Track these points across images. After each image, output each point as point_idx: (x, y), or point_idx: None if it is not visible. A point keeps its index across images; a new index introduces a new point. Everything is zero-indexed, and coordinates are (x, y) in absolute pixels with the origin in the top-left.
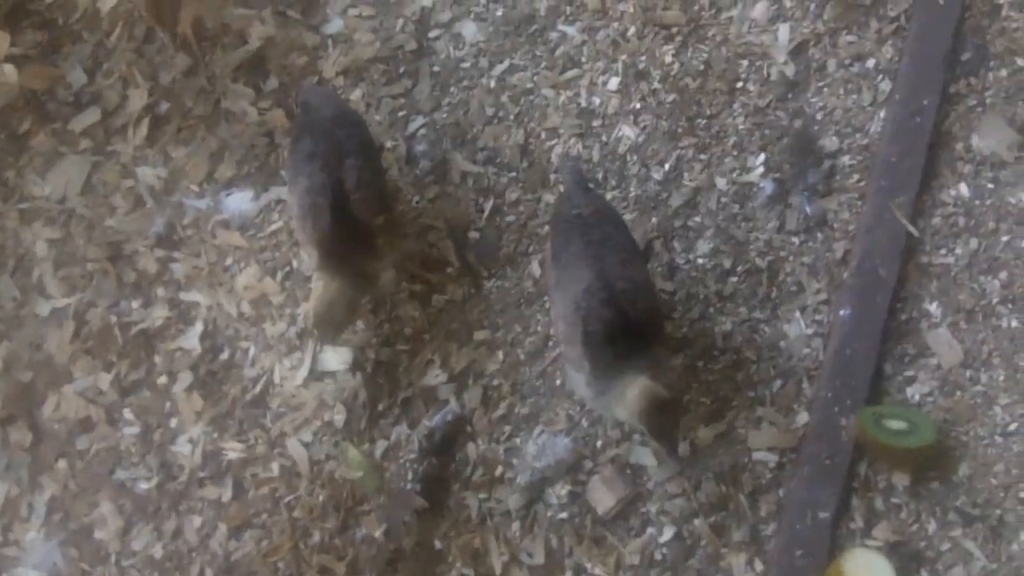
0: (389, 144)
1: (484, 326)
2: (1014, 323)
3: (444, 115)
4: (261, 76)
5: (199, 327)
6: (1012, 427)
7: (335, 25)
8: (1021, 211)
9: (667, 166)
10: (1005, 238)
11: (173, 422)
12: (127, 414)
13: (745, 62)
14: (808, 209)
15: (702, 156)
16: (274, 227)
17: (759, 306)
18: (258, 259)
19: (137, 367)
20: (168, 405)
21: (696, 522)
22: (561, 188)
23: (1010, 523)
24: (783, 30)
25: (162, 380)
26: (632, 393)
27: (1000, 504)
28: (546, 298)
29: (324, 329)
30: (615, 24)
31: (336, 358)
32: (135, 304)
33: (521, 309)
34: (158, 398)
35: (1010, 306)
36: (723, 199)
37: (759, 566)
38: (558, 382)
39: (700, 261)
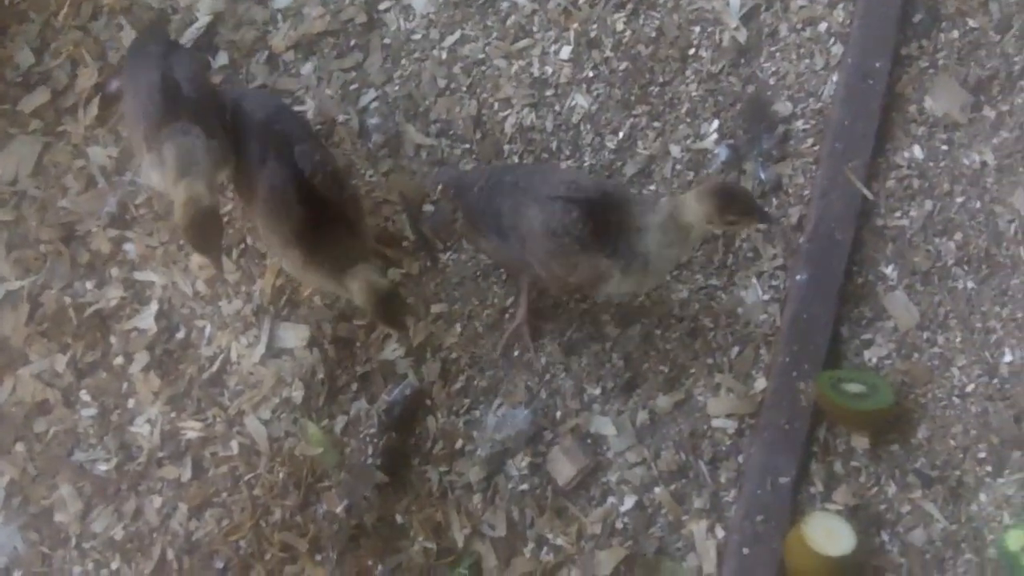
0: (341, 118)
1: (441, 299)
2: (970, 284)
3: (396, 88)
4: (211, 52)
5: (154, 307)
6: (969, 388)
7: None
8: (975, 172)
9: (621, 134)
10: (960, 199)
11: (131, 403)
12: (84, 396)
13: (697, 28)
14: (763, 174)
15: (656, 124)
16: (228, 205)
17: (715, 273)
18: None
19: (93, 348)
20: (125, 386)
21: (657, 490)
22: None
23: (969, 484)
24: None
25: (118, 361)
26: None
27: (959, 465)
28: (503, 270)
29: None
30: None
31: (293, 335)
32: (89, 285)
33: (478, 282)
34: (115, 379)
35: (965, 267)
36: (678, 166)
37: (720, 533)
38: (516, 353)
39: None
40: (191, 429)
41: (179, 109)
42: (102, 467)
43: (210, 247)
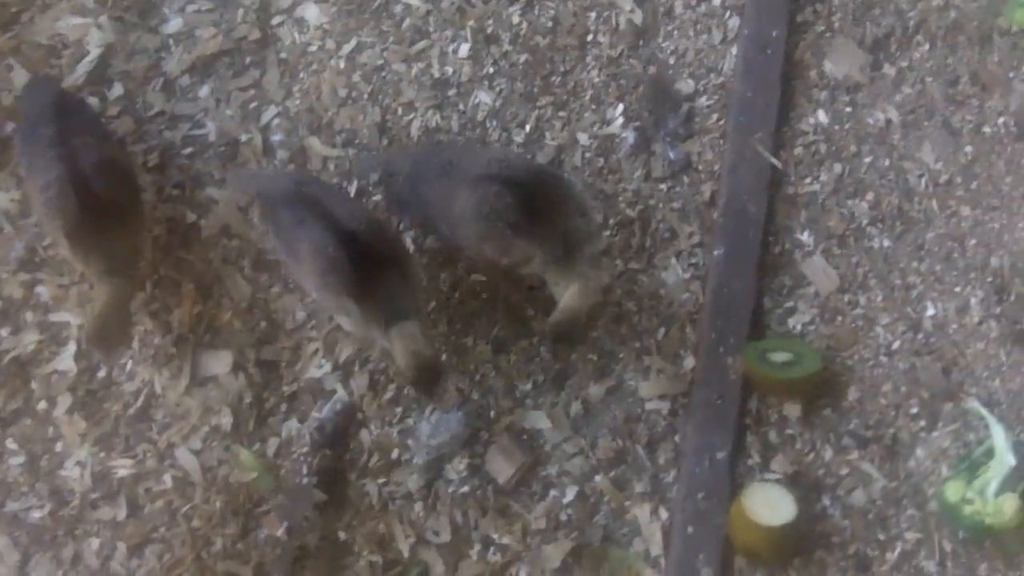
0: (244, 137)
1: None
2: (885, 243)
3: (297, 102)
4: (105, 84)
5: (72, 347)
6: (895, 345)
7: (175, 24)
8: (880, 131)
9: (528, 127)
10: (868, 159)
11: (58, 447)
12: (10, 444)
13: (593, 14)
14: (672, 154)
15: (561, 113)
16: (154, 230)
17: (634, 257)
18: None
19: (15, 396)
20: (51, 430)
21: (597, 479)
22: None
23: (904, 440)
24: None
25: (42, 405)
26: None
27: (892, 423)
28: (424, 274)
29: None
30: None
31: (216, 362)
32: (4, 332)
33: None
34: (40, 424)
35: (880, 226)
36: (587, 154)
37: (664, 514)
38: (443, 357)
39: None
40: (122, 467)
41: (93, 211)
42: (36, 514)
43: (113, 351)
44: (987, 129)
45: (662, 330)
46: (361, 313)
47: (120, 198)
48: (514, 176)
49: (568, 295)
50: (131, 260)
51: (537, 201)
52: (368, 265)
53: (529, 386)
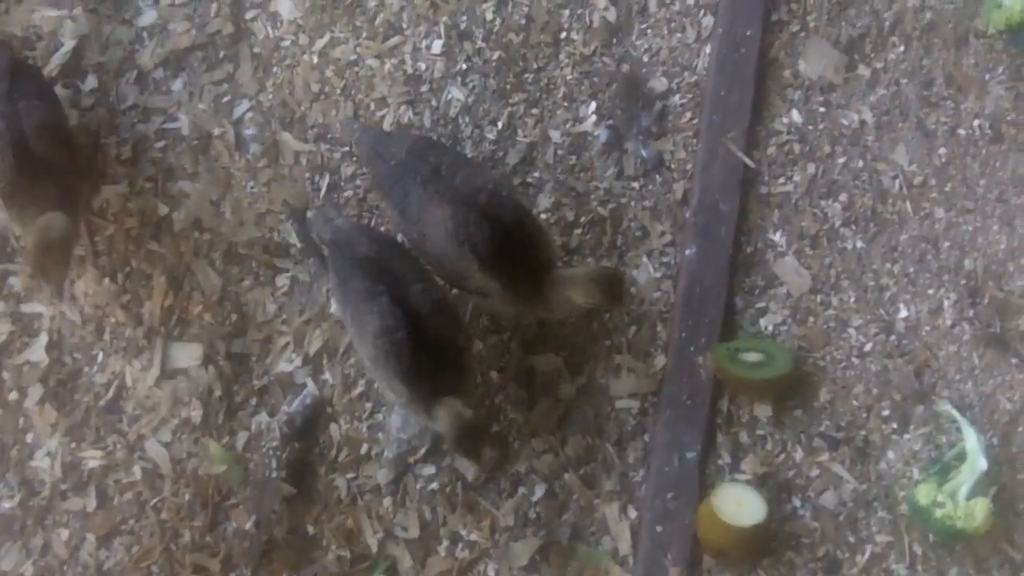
0: (216, 131)
1: (334, 305)
2: (859, 244)
3: (269, 96)
4: (79, 76)
5: (44, 338)
6: (867, 347)
7: (149, 17)
8: (855, 132)
9: (500, 124)
10: (841, 160)
11: (29, 437)
12: None
13: (566, 11)
14: (644, 153)
15: (534, 111)
16: (109, 230)
17: (606, 255)
18: (96, 263)
19: None
20: (22, 421)
21: (566, 476)
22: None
23: (875, 442)
24: None
25: (13, 396)
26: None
27: (864, 425)
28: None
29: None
30: None
31: (186, 354)
32: None
33: None
34: (10, 415)
35: (853, 227)
36: (559, 152)
37: (632, 513)
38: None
39: (543, 216)
40: (92, 458)
41: (33, 172)
42: (6, 504)
43: (54, 274)
44: (962, 131)
45: (633, 328)
46: (410, 395)
47: (58, 161)
48: (499, 216)
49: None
50: (65, 207)
51: (511, 239)
52: (428, 349)
53: (499, 381)
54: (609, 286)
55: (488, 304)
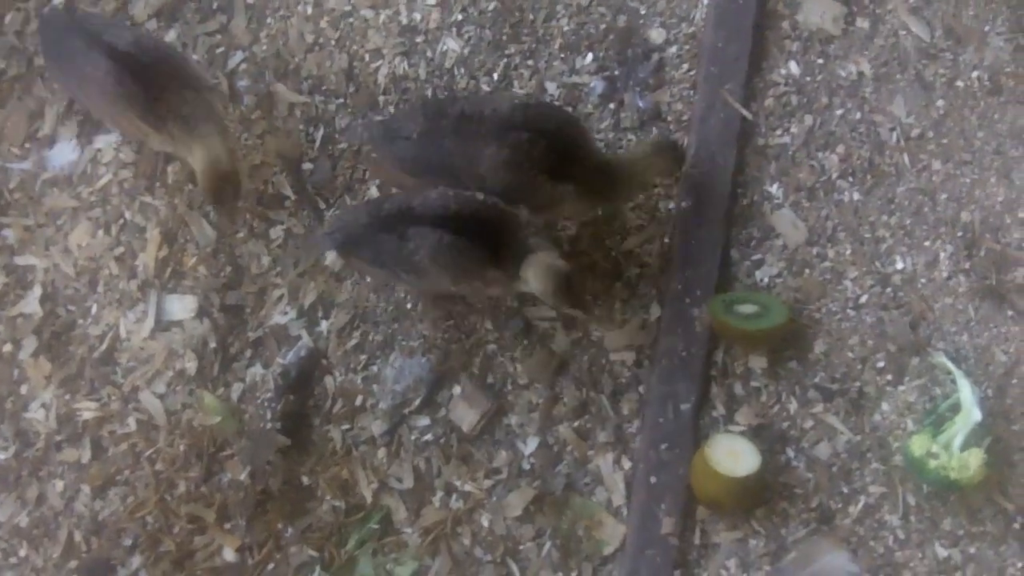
0: (212, 82)
1: (329, 257)
2: (855, 196)
3: (264, 48)
4: None
5: (38, 290)
6: (863, 299)
7: None
8: (852, 83)
9: (496, 76)
10: (839, 112)
11: (23, 389)
12: None
13: None
14: (641, 104)
15: (529, 62)
16: (103, 181)
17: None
18: (89, 215)
19: None
20: (16, 372)
21: (560, 428)
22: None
23: (870, 394)
24: None
25: (7, 348)
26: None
27: (858, 376)
28: None
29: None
30: None
31: (181, 306)
32: None
33: None
34: (5, 366)
35: (850, 179)
36: (556, 103)
37: (627, 464)
38: (408, 305)
39: None
40: (87, 410)
41: (156, 85)
42: (1, 456)
43: (228, 205)
44: (960, 83)
45: (629, 279)
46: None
47: (167, 66)
48: (542, 126)
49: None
50: (207, 114)
51: (563, 142)
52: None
53: (495, 334)
54: (670, 154)
55: (565, 211)
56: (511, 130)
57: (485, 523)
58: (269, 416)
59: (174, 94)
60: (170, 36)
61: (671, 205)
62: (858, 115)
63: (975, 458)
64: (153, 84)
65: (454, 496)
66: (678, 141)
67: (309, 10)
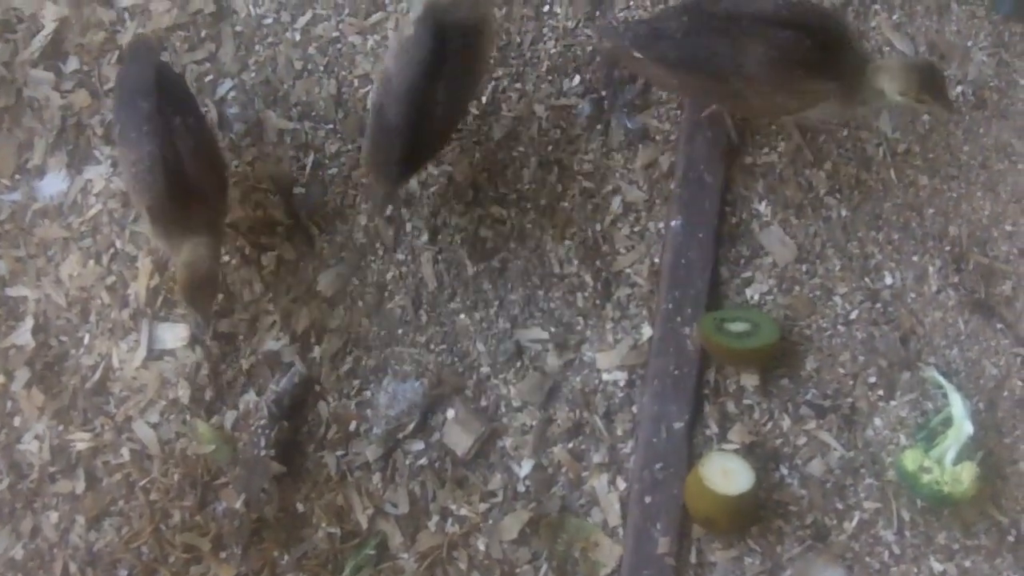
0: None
1: (319, 283)
2: (843, 212)
3: (252, 75)
4: (60, 58)
5: (30, 321)
6: (853, 315)
7: None
8: None
9: (484, 99)
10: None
11: (16, 421)
12: None
13: None
14: (628, 124)
15: (517, 85)
16: (93, 211)
17: (591, 227)
18: (80, 246)
19: None
20: (9, 404)
21: (555, 450)
22: None
23: (862, 410)
24: None
25: None
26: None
27: (850, 392)
28: (379, 245)
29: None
30: None
31: (173, 335)
32: None
33: (357, 261)
34: None
35: (838, 196)
36: (544, 125)
37: (621, 484)
38: (400, 331)
39: (528, 190)
40: (80, 441)
41: (184, 197)
42: None
43: (203, 308)
44: None
45: (619, 300)
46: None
47: (208, 184)
48: (805, 22)
49: None
50: (211, 233)
51: (826, 40)
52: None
53: (487, 357)
54: (923, 75)
55: (825, 111)
56: (776, 28)
57: (481, 547)
58: (263, 443)
59: (192, 208)
60: None
61: (660, 225)
62: (844, 131)
63: (968, 472)
64: (178, 193)
65: (449, 520)
66: (940, 69)
67: (297, 37)
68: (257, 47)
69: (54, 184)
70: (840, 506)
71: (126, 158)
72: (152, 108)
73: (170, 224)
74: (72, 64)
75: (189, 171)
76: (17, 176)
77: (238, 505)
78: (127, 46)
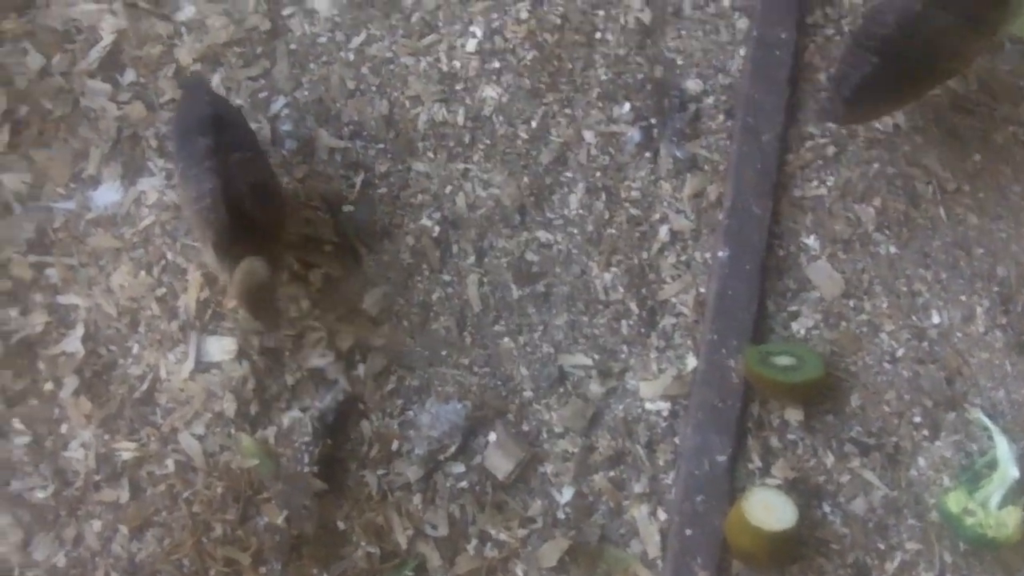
0: (253, 127)
1: (365, 301)
2: (892, 249)
3: (306, 93)
4: (117, 70)
5: (80, 330)
6: (900, 353)
7: (187, 12)
8: (888, 136)
9: (534, 123)
10: (876, 165)
11: (63, 428)
12: (16, 424)
13: (601, 12)
14: (677, 153)
15: (567, 110)
16: (145, 222)
17: (638, 256)
18: (132, 256)
19: (22, 376)
20: (57, 411)
21: (596, 478)
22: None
23: (906, 449)
24: None
25: (48, 387)
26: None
27: (895, 431)
28: (425, 265)
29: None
30: None
31: (220, 348)
32: (13, 312)
33: (404, 281)
34: (46, 405)
35: (887, 232)
36: (592, 151)
37: (662, 515)
38: (443, 352)
39: (575, 215)
40: (126, 450)
41: (244, 228)
42: (39, 495)
43: (266, 314)
44: (996, 137)
45: (664, 329)
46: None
47: (267, 218)
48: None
49: None
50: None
51: None
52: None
53: (530, 382)
54: None
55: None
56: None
57: (520, 572)
58: (306, 459)
59: (254, 241)
60: (214, 80)
61: (707, 255)
62: (894, 168)
63: (1013, 516)
64: (240, 227)
65: (488, 545)
66: None
67: (351, 56)
68: (311, 65)
69: (108, 194)
70: (882, 546)
71: (187, 196)
72: (210, 145)
73: (235, 260)
74: (129, 76)
75: (249, 205)
76: (72, 185)
77: (279, 521)
78: (180, 83)
